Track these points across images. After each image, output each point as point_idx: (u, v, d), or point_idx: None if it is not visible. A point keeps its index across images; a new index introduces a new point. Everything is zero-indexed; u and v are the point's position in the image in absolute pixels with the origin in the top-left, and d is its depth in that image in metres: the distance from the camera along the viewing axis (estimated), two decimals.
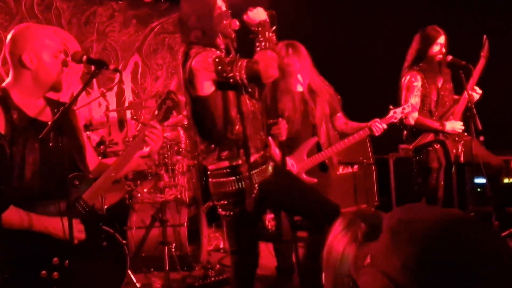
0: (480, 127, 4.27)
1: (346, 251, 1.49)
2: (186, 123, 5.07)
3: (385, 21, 6.18)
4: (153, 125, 2.49)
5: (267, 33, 2.96)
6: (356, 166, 6.07)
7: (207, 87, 2.94)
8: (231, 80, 2.82)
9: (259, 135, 3.10)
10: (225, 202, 3.07)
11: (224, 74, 2.82)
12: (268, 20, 3.01)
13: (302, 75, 4.04)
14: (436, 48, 4.44)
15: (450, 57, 4.43)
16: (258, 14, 3.01)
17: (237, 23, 3.07)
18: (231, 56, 3.01)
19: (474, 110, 4.32)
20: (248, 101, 3.05)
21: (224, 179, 3.03)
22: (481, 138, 4.59)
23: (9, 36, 2.40)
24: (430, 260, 0.80)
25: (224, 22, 3.04)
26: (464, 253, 0.80)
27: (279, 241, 4.17)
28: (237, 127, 2.99)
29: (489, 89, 4.52)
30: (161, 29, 6.89)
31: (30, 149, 2.31)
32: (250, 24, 3.04)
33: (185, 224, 4.78)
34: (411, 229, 0.84)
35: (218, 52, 2.95)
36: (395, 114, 4.01)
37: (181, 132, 6.16)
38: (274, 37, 3.00)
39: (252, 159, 3.02)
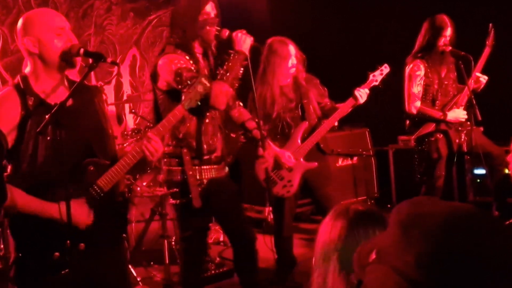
0: (480, 117, 4.26)
1: (335, 227, 1.53)
2: None
3: (384, 8, 6.16)
4: (150, 137, 2.49)
5: (238, 64, 3.11)
6: (355, 158, 6.06)
7: (164, 85, 3.17)
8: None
9: (214, 138, 3.31)
10: (175, 190, 3.33)
11: (180, 87, 3.01)
12: (246, 53, 3.14)
13: (288, 68, 4.06)
14: (442, 40, 4.41)
15: (449, 48, 4.41)
16: (244, 41, 3.14)
17: (227, 33, 3.19)
18: (194, 71, 3.13)
19: (474, 101, 4.30)
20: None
21: (173, 168, 3.27)
22: (481, 128, 4.59)
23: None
24: (446, 255, 0.78)
25: (207, 28, 3.18)
26: (478, 246, 0.79)
27: (280, 235, 4.18)
28: (185, 127, 3.21)
29: (491, 79, 4.50)
30: (159, 22, 6.85)
31: (44, 135, 2.31)
32: (233, 43, 3.15)
33: None
34: (422, 224, 0.83)
35: (183, 61, 3.12)
36: (374, 77, 4.05)
37: None
38: (241, 72, 3.15)
39: (200, 156, 3.25)
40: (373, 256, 0.91)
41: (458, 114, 4.44)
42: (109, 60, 2.43)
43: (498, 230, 0.82)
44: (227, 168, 3.49)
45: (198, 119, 3.24)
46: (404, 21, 5.55)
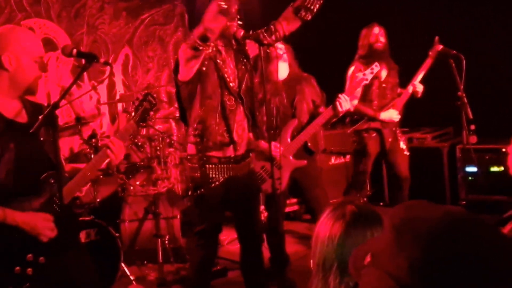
0: (470, 116, 4.29)
1: (333, 230, 1.52)
2: (177, 115, 5.05)
3: (384, 9, 6.19)
4: (112, 141, 2.52)
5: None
6: (348, 156, 6.09)
7: (184, 74, 3.19)
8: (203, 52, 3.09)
9: (235, 133, 3.29)
10: (191, 185, 3.37)
11: (196, 45, 3.01)
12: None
13: (283, 64, 4.07)
14: (372, 38, 4.75)
15: (441, 47, 4.49)
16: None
17: (242, 33, 3.18)
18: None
19: (465, 99, 4.33)
20: (227, 101, 3.28)
21: (191, 165, 3.31)
22: (472, 127, 4.63)
23: None
24: (438, 260, 0.79)
25: (227, 23, 3.13)
26: (470, 251, 0.79)
27: (273, 233, 4.19)
28: (205, 127, 3.23)
29: (485, 78, 4.54)
30: (152, 21, 6.84)
31: (5, 149, 2.31)
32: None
33: (178, 217, 4.78)
34: (415, 228, 0.83)
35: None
36: (364, 76, 4.10)
37: (173, 124, 6.14)
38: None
39: (214, 154, 3.26)
40: (368, 259, 0.92)
41: (391, 114, 4.75)
42: (101, 60, 2.43)
43: (490, 235, 0.83)
44: (252, 165, 3.48)
45: (218, 120, 3.25)
46: (404, 21, 5.60)
